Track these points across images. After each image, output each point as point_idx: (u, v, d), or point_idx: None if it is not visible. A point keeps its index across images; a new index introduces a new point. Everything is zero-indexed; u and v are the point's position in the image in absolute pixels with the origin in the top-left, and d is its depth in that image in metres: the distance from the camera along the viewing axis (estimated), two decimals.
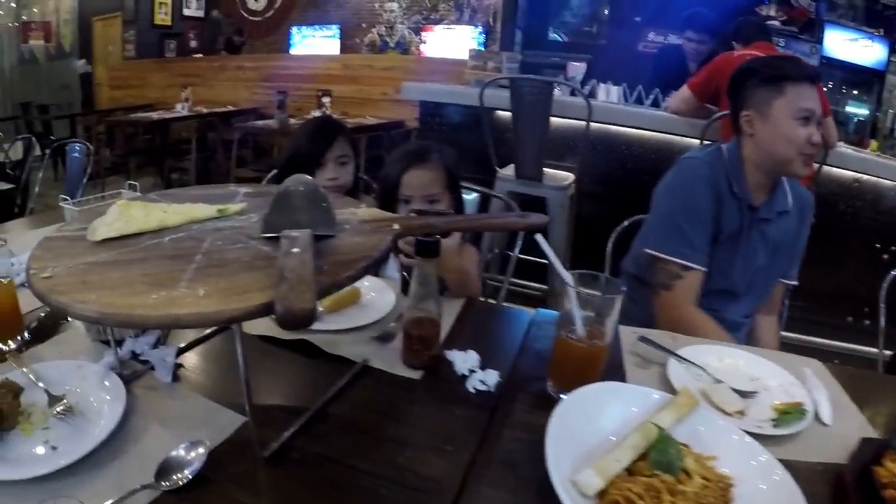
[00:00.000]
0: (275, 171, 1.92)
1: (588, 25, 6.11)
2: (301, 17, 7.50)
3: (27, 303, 1.08)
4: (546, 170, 3.09)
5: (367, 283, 1.32)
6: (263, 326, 1.09)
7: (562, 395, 0.88)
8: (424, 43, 6.68)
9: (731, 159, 1.51)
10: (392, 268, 1.54)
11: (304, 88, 6.33)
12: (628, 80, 3.67)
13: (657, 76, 3.71)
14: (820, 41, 4.95)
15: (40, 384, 0.88)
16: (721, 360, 1.12)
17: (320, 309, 1.07)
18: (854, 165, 3.00)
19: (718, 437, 0.83)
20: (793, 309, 1.79)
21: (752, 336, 1.64)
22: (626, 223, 1.81)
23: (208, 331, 1.11)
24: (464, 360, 1.03)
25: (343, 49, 7.15)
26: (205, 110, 6.36)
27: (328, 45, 7.23)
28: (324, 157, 1.69)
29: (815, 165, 2.68)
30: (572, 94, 3.37)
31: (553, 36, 6.14)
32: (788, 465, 0.77)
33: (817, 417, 0.96)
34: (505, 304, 1.69)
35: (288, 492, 0.75)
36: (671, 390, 0.95)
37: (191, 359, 1.04)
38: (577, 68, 3.78)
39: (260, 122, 5.83)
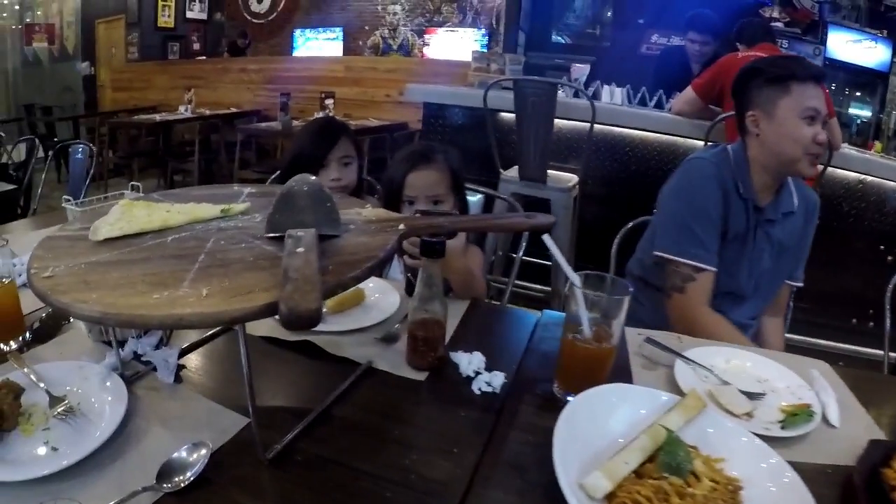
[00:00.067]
0: (278, 173, 1.92)
1: (591, 27, 6.11)
2: (304, 19, 7.52)
3: (29, 303, 1.07)
4: (550, 171, 3.08)
5: (371, 285, 1.31)
6: (267, 327, 1.09)
7: (568, 397, 0.87)
8: (427, 45, 6.68)
9: (737, 160, 1.50)
10: (396, 269, 1.54)
11: (307, 90, 6.34)
12: (632, 81, 3.66)
13: (660, 78, 3.70)
14: (823, 43, 4.95)
15: (41, 385, 0.87)
16: (728, 361, 1.11)
17: (324, 310, 1.07)
18: (858, 167, 2.98)
19: (727, 439, 0.82)
20: (797, 311, 1.78)
21: (758, 338, 1.63)
22: (630, 225, 1.80)
23: (211, 331, 1.10)
24: (469, 361, 1.03)
25: (346, 51, 7.16)
26: (208, 112, 6.37)
27: (331, 48, 7.24)
28: (327, 158, 1.69)
29: (820, 167, 2.67)
30: (576, 95, 3.37)
31: (556, 38, 6.15)
32: (796, 466, 0.76)
33: (825, 419, 0.95)
34: (508, 305, 1.68)
35: (291, 494, 0.74)
36: (678, 392, 0.95)
37: (193, 360, 1.03)
38: (581, 70, 3.78)
39: (263, 125, 5.84)
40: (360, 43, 7.14)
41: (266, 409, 0.88)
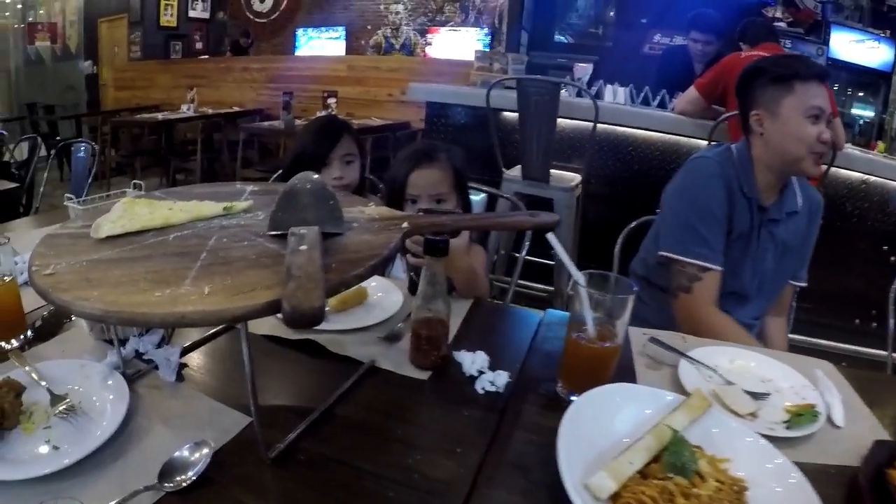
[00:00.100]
0: (280, 171, 1.92)
1: (594, 27, 6.11)
2: (307, 18, 7.53)
3: (30, 301, 1.07)
4: (553, 171, 3.08)
5: (373, 284, 1.31)
6: (269, 326, 1.08)
7: (572, 397, 0.86)
8: (430, 45, 6.69)
9: (741, 159, 1.50)
10: (399, 268, 1.53)
11: (309, 90, 6.34)
12: (634, 81, 3.66)
13: (663, 77, 3.69)
14: (826, 43, 4.94)
15: (43, 383, 0.87)
16: (732, 361, 1.10)
17: (327, 308, 1.06)
18: (861, 167, 2.98)
19: (732, 439, 0.81)
20: (800, 311, 1.77)
21: (761, 338, 1.62)
22: (633, 224, 1.79)
23: (213, 330, 1.10)
24: (472, 360, 1.02)
25: (348, 51, 7.17)
26: (210, 111, 6.37)
27: (334, 47, 7.25)
28: (329, 157, 1.68)
29: (823, 167, 2.66)
30: (579, 94, 3.36)
31: (559, 38, 6.14)
32: (801, 467, 0.75)
33: (829, 419, 0.95)
34: (511, 304, 1.67)
35: (293, 494, 0.74)
36: (682, 392, 0.94)
37: (195, 358, 1.03)
38: (584, 69, 3.78)
39: (265, 124, 5.84)
40: (363, 42, 7.15)
41: (268, 408, 0.88)
